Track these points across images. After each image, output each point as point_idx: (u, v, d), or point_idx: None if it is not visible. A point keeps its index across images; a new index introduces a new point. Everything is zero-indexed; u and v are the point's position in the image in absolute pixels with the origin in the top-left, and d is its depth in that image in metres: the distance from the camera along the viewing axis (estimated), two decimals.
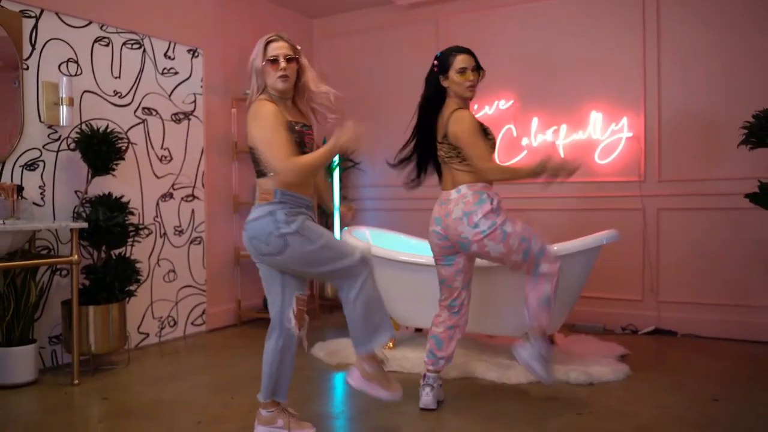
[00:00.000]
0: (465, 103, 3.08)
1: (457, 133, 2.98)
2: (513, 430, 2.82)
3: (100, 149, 3.85)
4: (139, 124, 4.53)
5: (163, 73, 4.71)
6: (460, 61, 3.00)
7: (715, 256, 4.56)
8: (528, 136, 5.16)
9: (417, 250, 4.57)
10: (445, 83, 3.05)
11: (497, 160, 3.08)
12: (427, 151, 3.16)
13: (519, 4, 5.24)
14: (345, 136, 2.43)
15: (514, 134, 5.22)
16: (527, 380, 3.51)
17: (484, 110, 5.30)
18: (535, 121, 5.12)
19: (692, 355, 4.12)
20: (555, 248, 3.31)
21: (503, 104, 5.24)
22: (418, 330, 4.56)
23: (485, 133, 3.09)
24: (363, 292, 2.55)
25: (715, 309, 4.58)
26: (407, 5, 5.68)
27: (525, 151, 5.18)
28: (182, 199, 4.85)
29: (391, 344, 4.04)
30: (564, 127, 5.02)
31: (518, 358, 3.10)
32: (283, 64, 2.51)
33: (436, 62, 3.07)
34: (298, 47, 2.61)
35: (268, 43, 2.55)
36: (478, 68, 3.05)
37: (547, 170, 2.90)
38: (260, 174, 2.60)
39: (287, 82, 2.55)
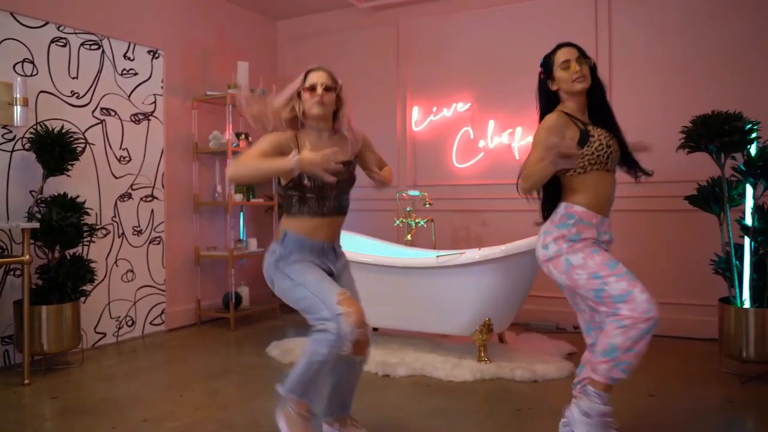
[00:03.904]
0: (576, 101, 2.61)
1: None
2: (455, 427, 2.90)
3: (53, 149, 3.87)
4: (97, 124, 4.55)
5: (122, 74, 4.72)
6: (561, 55, 2.61)
7: (661, 256, 4.70)
8: (485, 139, 5.26)
9: (375, 251, 4.66)
10: (554, 87, 2.64)
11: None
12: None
13: (477, 9, 5.33)
14: (306, 161, 2.29)
15: (472, 136, 5.32)
16: (473, 378, 3.60)
17: (443, 112, 5.40)
18: (491, 124, 5.22)
19: None
20: (644, 297, 2.56)
21: (461, 107, 5.33)
22: (374, 329, 4.64)
23: (584, 136, 2.56)
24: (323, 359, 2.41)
25: (663, 308, 4.67)
26: (369, 8, 5.76)
27: (482, 153, 5.28)
28: (141, 199, 4.86)
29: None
30: (519, 130, 5.12)
31: (569, 417, 2.61)
32: (319, 90, 2.51)
33: (541, 69, 2.69)
34: (339, 81, 2.59)
35: (308, 72, 2.57)
36: (584, 56, 2.60)
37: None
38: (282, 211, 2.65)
39: (322, 108, 2.52)
